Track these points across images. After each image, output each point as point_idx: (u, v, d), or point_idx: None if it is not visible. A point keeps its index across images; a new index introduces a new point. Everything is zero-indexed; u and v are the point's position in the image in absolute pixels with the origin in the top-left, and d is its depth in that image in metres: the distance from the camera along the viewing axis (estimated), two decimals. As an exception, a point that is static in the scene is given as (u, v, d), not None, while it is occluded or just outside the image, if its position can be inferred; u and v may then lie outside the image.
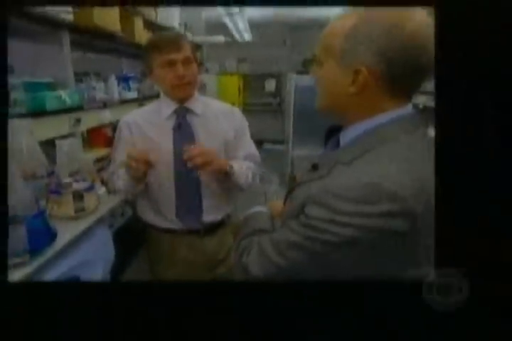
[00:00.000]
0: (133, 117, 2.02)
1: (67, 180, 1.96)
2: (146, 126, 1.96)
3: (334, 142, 1.07)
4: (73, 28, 2.60)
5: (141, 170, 1.71)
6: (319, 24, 1.02)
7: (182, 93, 1.91)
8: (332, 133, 1.09)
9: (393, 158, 0.88)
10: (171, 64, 1.81)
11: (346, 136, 1.01)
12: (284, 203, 1.16)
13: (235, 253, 1.13)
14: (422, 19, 0.88)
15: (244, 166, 1.99)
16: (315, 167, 1.02)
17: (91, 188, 2.01)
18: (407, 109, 0.96)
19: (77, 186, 1.94)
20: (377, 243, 0.85)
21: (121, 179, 1.93)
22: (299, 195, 0.99)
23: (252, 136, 2.14)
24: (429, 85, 2.29)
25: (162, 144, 1.92)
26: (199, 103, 2.00)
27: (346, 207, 0.84)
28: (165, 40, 1.83)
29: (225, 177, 1.91)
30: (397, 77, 0.90)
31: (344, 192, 0.85)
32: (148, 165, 1.72)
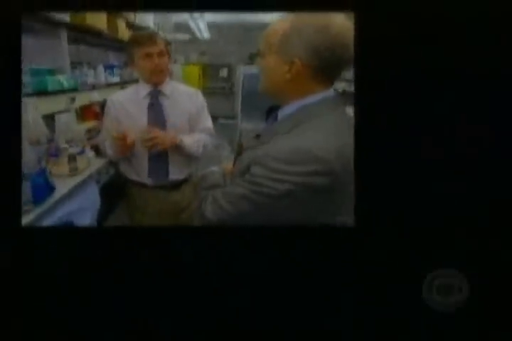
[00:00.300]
0: (117, 97, 1.95)
1: (63, 145, 1.97)
2: (127, 104, 1.90)
3: (273, 117, 1.04)
4: (70, 27, 2.60)
5: (124, 149, 1.81)
6: (264, 26, 0.99)
7: (157, 79, 1.85)
8: (272, 111, 1.06)
9: (319, 129, 0.87)
10: (149, 56, 1.76)
11: (283, 113, 0.97)
12: (234, 165, 1.13)
13: (195, 203, 1.11)
14: (343, 22, 0.85)
15: (195, 139, 1.96)
16: (258, 137, 0.99)
17: (82, 152, 2.04)
18: (330, 92, 0.94)
19: (72, 150, 1.95)
20: (308, 196, 0.84)
21: (108, 150, 1.94)
22: (246, 158, 0.96)
23: (210, 113, 2.09)
24: (348, 74, 2.31)
25: (139, 118, 1.87)
26: (169, 86, 1.93)
27: (282, 167, 0.82)
28: (144, 37, 1.78)
29: (178, 148, 1.90)
30: (323, 67, 0.88)
31: (280, 155, 0.83)
32: (129, 146, 1.80)
